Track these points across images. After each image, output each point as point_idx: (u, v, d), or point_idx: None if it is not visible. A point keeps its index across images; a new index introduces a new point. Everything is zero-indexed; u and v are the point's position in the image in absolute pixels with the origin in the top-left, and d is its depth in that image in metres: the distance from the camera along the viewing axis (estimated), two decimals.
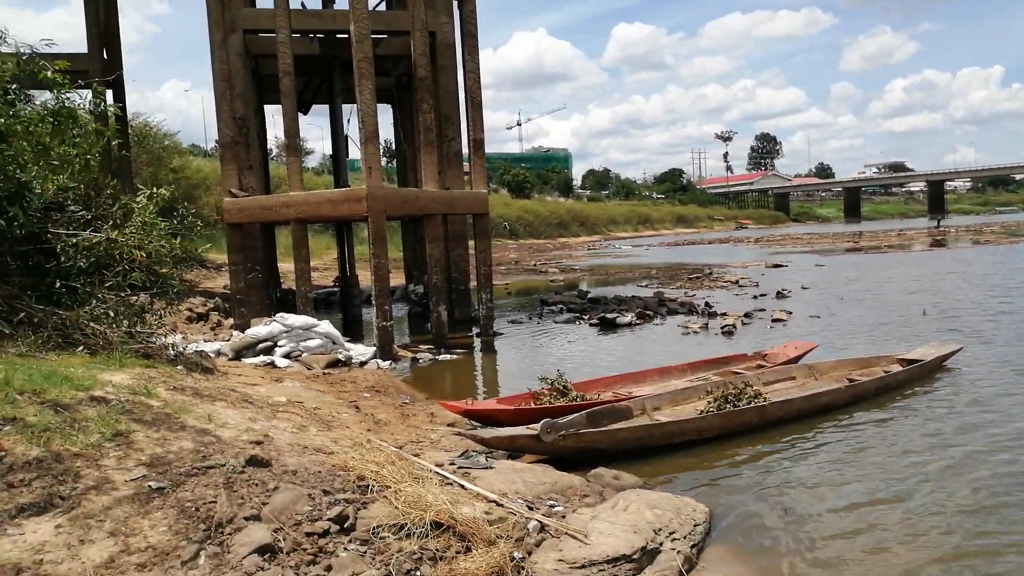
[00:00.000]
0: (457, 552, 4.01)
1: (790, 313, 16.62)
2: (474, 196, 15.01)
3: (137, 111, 29.53)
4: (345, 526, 4.02)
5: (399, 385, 10.66)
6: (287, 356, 12.54)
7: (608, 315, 16.20)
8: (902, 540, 5.21)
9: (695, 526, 4.96)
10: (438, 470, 5.15)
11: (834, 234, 70.37)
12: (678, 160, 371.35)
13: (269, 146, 27.12)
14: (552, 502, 5.02)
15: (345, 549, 3.86)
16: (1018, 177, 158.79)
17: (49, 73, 8.60)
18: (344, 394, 9.12)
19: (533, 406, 7.79)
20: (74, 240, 8.54)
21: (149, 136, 29.44)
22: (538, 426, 6.43)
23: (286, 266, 28.28)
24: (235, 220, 13.73)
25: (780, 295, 20.34)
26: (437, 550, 3.98)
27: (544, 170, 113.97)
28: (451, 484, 5.01)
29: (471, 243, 17.19)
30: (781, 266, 32.24)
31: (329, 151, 24.99)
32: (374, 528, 4.04)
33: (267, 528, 3.84)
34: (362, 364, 12.58)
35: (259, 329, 12.71)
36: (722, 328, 14.87)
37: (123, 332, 8.04)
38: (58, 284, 8.26)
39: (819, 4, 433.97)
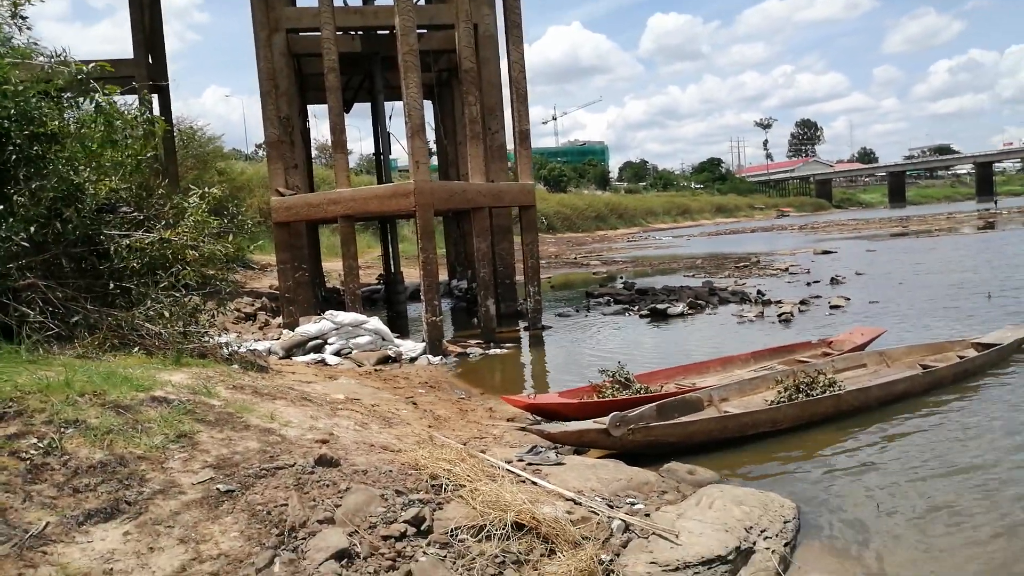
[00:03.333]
0: (541, 555, 3.78)
1: (848, 299, 16.11)
2: (520, 188, 14.77)
3: (181, 115, 29.75)
4: (422, 528, 3.81)
5: (452, 381, 10.48)
6: (337, 354, 12.44)
7: (659, 306, 15.86)
8: (997, 533, 4.89)
9: (785, 523, 4.67)
10: (510, 467, 4.93)
11: (880, 219, 68.76)
12: (716, 150, 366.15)
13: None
14: (632, 499, 4.77)
15: (424, 553, 3.65)
16: None
17: (87, 71, 8.56)
18: (399, 390, 8.95)
19: (596, 399, 7.54)
20: (127, 241, 8.50)
21: (194, 140, 29.65)
22: (607, 420, 6.17)
23: (329, 265, 28.39)
24: (282, 219, 13.66)
25: (835, 282, 19.78)
26: (520, 553, 3.75)
27: (580, 164, 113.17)
28: (524, 482, 4.78)
29: (515, 237, 17.01)
30: (830, 252, 31.47)
31: (368, 151, 24.83)
32: (452, 530, 3.83)
33: (342, 532, 3.64)
34: (412, 360, 12.44)
35: (309, 327, 12.63)
36: (779, 316, 14.44)
37: (178, 332, 7.96)
38: (112, 285, 8.23)
39: None
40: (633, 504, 4.68)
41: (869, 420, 7.46)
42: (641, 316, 15.97)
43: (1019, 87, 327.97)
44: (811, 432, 7.20)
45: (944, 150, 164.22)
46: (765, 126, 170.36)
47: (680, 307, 15.80)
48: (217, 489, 3.88)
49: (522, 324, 15.51)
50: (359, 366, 11.98)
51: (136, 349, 7.32)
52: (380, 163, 20.55)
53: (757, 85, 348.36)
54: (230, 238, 9.05)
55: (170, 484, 3.88)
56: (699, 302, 16.68)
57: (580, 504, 4.39)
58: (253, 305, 18.02)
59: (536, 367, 12.11)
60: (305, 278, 15.85)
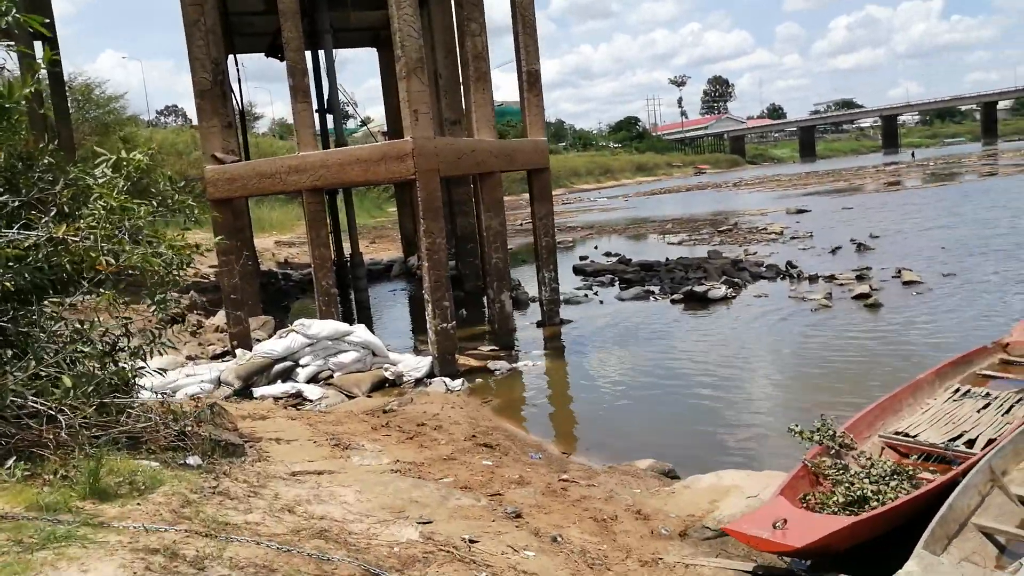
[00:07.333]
0: None
1: (910, 270, 13.50)
2: (533, 146, 11.50)
3: (74, 73, 24.53)
4: None
5: (505, 427, 7.30)
6: (314, 379, 9.09)
7: (696, 288, 12.93)
8: None
9: None
10: None
11: (807, 174, 67.93)
12: (629, 108, 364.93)
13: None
14: None
15: None
16: (963, 108, 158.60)
17: None
18: (453, 465, 5.70)
19: (855, 516, 4.35)
20: None
21: (92, 100, 24.57)
22: None
23: (260, 242, 24.23)
24: (223, 194, 9.98)
25: (862, 248, 17.29)
26: None
27: (499, 125, 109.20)
28: None
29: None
30: (805, 211, 29.21)
31: (276, 115, 19.68)
32: None
33: None
34: (417, 383, 9.19)
35: (273, 344, 9.18)
36: (860, 299, 11.66)
37: (88, 407, 4.49)
38: None
39: None
40: None
41: None
42: (673, 301, 13.02)
43: (912, 42, 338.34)
44: None
45: (848, 104, 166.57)
46: (679, 84, 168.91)
47: (722, 290, 12.91)
48: None
49: (520, 316, 12.42)
50: (348, 397, 8.68)
51: (10, 463, 3.86)
52: (326, 123, 16.71)
53: (667, 43, 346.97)
54: (166, 232, 5.53)
55: None
56: (734, 280, 13.85)
57: None
58: (180, 303, 14.23)
59: (597, 392, 8.76)
60: (249, 268, 12.28)
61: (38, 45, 15.51)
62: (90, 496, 3.64)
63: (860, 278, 13.31)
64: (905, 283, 12.63)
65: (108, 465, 4.03)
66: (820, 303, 11.66)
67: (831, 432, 5.18)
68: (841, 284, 12.93)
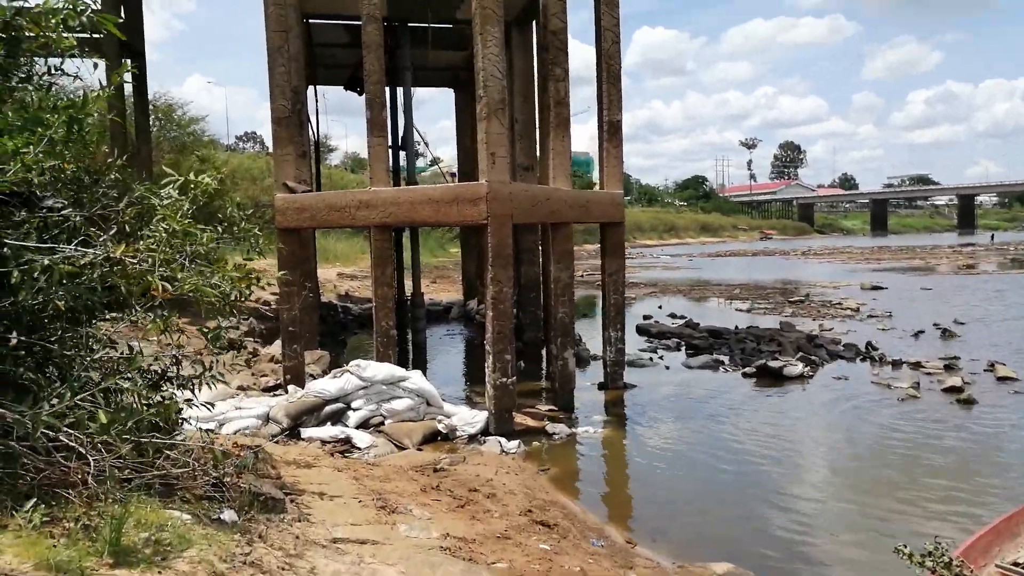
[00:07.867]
0: None
1: (999, 365, 12.55)
2: (610, 198, 11.06)
3: (157, 93, 24.98)
4: None
5: (563, 503, 6.73)
6: (365, 424, 8.67)
7: (771, 363, 12.20)
8: None
9: None
10: None
11: (879, 248, 66.09)
12: (698, 167, 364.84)
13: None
14: None
15: None
16: None
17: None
18: (507, 546, 5.17)
19: None
20: (46, 260, 4.57)
21: (172, 120, 25.04)
22: None
23: (322, 272, 24.11)
24: (291, 223, 9.78)
25: (947, 334, 16.27)
26: None
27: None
28: None
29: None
30: (881, 288, 28.10)
31: (350, 149, 19.35)
32: None
33: None
34: (471, 439, 8.70)
35: (326, 383, 8.81)
36: (951, 392, 10.76)
37: (123, 446, 4.12)
38: (14, 340, 4.37)
39: (843, 11, 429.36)
40: None
41: None
42: (745, 375, 12.31)
43: (993, 121, 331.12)
44: None
45: (923, 180, 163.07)
46: (750, 146, 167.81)
47: (799, 367, 12.15)
48: None
49: (579, 374, 11.81)
50: (398, 448, 8.22)
51: (29, 504, 3.48)
52: (399, 160, 16.60)
53: (740, 104, 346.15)
54: (229, 263, 5.18)
55: None
56: (810, 358, 13.06)
57: None
58: (238, 328, 14.10)
59: (663, 472, 8.04)
60: (310, 301, 12.01)
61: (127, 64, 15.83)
62: (108, 555, 3.23)
63: (949, 368, 12.41)
64: (999, 379, 11.70)
65: (136, 515, 3.65)
66: (907, 392, 10.82)
67: (947, 560, 4.50)
68: (929, 373, 12.07)
